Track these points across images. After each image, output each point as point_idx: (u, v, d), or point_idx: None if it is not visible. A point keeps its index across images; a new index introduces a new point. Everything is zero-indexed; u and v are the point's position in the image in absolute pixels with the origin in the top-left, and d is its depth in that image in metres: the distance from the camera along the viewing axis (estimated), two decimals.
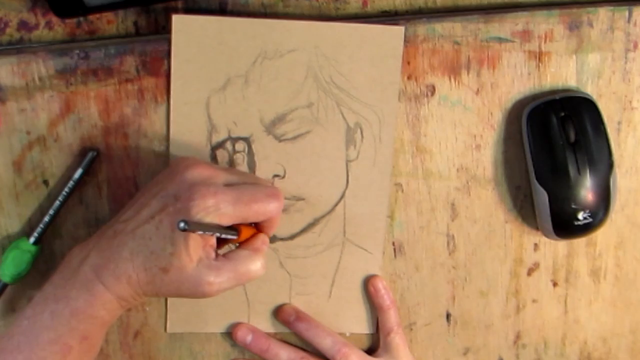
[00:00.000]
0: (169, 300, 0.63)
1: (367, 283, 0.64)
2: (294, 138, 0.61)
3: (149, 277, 0.53)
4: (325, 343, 0.63)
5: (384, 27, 0.60)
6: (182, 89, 0.60)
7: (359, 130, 0.61)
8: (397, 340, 0.64)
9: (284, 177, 0.62)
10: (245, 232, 0.55)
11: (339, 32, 0.60)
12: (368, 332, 0.65)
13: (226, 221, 0.52)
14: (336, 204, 0.63)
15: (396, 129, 0.62)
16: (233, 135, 0.61)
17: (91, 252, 0.54)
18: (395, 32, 0.60)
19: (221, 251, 0.55)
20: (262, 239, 0.57)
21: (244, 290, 0.64)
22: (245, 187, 0.54)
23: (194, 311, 0.63)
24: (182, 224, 0.47)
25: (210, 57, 0.59)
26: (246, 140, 0.61)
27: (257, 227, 0.57)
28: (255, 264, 0.54)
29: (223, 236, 0.53)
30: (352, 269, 0.64)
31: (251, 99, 0.60)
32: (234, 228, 0.54)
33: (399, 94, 0.62)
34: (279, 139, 0.61)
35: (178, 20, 0.59)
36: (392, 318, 0.64)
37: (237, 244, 0.56)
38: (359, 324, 0.65)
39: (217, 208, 0.51)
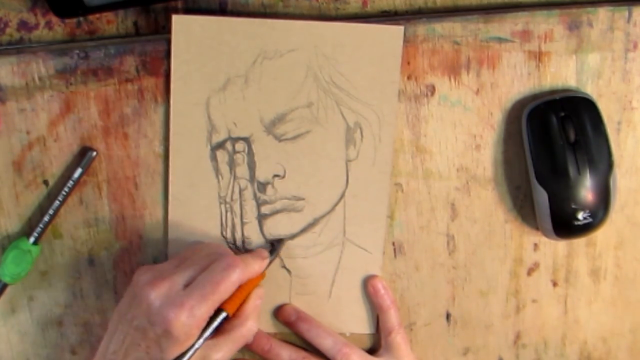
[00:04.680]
0: None
1: (367, 283, 0.64)
2: (294, 138, 0.61)
3: None
4: (326, 343, 0.63)
5: (384, 27, 0.60)
6: (182, 89, 0.60)
7: (358, 130, 0.62)
8: (399, 339, 0.64)
9: (284, 177, 0.62)
10: (233, 306, 0.57)
11: (339, 32, 0.60)
12: (368, 332, 0.65)
13: (206, 317, 0.54)
14: (336, 204, 0.63)
15: (396, 128, 0.62)
16: (233, 136, 0.61)
17: None
18: (395, 32, 0.60)
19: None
20: (254, 298, 0.59)
21: None
22: (203, 278, 0.55)
23: None
24: None
25: (210, 57, 0.59)
26: (246, 140, 0.61)
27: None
28: (246, 328, 0.57)
29: (216, 325, 0.55)
30: (352, 269, 0.64)
31: (251, 99, 0.60)
32: (220, 309, 0.56)
33: (399, 93, 0.62)
34: (279, 138, 0.61)
35: (178, 21, 0.59)
36: (392, 318, 0.64)
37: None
38: (360, 324, 0.65)
39: (192, 316, 0.53)
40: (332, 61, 0.60)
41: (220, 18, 0.59)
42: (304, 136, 0.61)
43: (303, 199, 0.62)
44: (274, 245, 0.63)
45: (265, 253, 0.60)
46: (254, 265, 0.58)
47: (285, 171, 0.62)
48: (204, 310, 0.54)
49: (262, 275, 0.59)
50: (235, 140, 0.61)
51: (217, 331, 0.56)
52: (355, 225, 0.63)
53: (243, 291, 0.57)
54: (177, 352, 0.53)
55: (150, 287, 0.54)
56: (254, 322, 0.58)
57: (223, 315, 0.56)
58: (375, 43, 0.60)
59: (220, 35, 0.59)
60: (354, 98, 0.61)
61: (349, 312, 0.65)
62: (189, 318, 0.53)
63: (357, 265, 0.64)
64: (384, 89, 0.61)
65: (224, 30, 0.59)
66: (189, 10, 0.61)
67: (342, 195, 0.63)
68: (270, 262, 0.60)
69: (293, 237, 0.63)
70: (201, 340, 0.54)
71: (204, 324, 0.54)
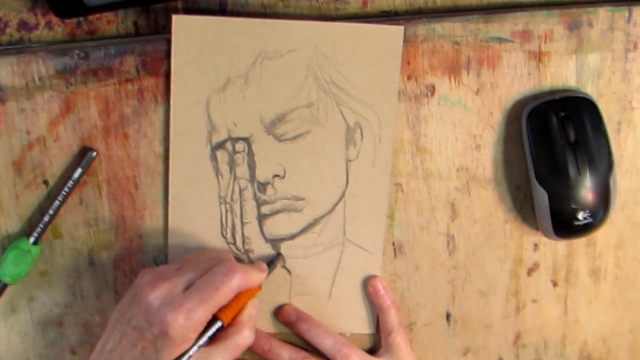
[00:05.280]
0: None
1: (367, 284, 0.64)
2: (294, 138, 0.61)
3: None
4: (326, 343, 0.63)
5: (384, 27, 0.60)
6: (182, 89, 0.60)
7: (358, 130, 0.62)
8: (399, 340, 0.64)
9: (284, 177, 0.62)
10: (228, 315, 0.56)
11: (339, 32, 0.60)
12: (368, 332, 0.65)
13: (203, 321, 0.54)
14: (336, 204, 0.63)
15: (396, 128, 0.62)
16: (233, 136, 0.61)
17: None
18: (395, 32, 0.60)
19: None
20: (249, 308, 0.58)
21: None
22: (202, 281, 0.55)
23: None
24: None
25: (210, 57, 0.59)
26: (246, 140, 0.61)
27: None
28: (242, 337, 0.57)
29: (211, 334, 0.55)
30: (352, 269, 0.64)
31: (251, 99, 0.60)
32: (215, 317, 0.56)
33: (399, 93, 0.62)
34: (279, 138, 0.61)
35: (178, 21, 0.59)
36: (392, 318, 0.64)
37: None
38: (359, 324, 0.65)
39: (189, 318, 0.53)
40: (332, 61, 0.60)
41: (220, 18, 0.59)
42: (304, 136, 0.61)
43: (303, 199, 0.62)
44: (275, 249, 0.63)
45: (264, 266, 0.61)
46: (253, 275, 0.58)
47: (285, 171, 0.62)
48: (202, 313, 0.54)
49: (258, 287, 0.59)
50: (235, 140, 0.61)
51: (212, 339, 0.56)
52: (355, 225, 0.63)
53: (239, 301, 0.57)
54: (172, 355, 0.53)
55: (150, 288, 0.54)
56: (250, 332, 0.57)
57: (218, 324, 0.56)
58: (376, 43, 0.60)
59: (220, 35, 0.59)
60: (354, 98, 0.61)
61: (349, 312, 0.65)
62: (186, 320, 0.53)
63: (357, 266, 0.64)
64: (384, 89, 0.61)
65: (224, 30, 0.59)
66: (188, 10, 0.61)
67: (342, 196, 0.63)
68: (267, 275, 0.60)
69: (293, 237, 0.63)
70: (195, 348, 0.54)
71: (201, 328, 0.54)
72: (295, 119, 0.61)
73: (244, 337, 0.57)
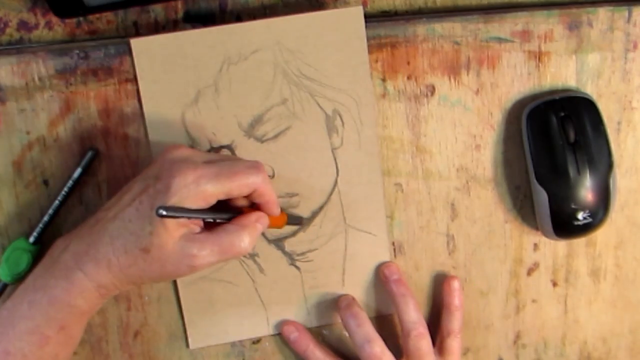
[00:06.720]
0: (185, 315, 0.63)
1: (443, 283, 0.64)
2: (276, 136, 0.61)
3: (130, 259, 0.52)
4: (411, 316, 0.61)
5: (342, 10, 0.60)
6: (155, 110, 0.60)
7: (338, 117, 0.61)
8: (455, 345, 0.63)
9: (273, 176, 0.62)
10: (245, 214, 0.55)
11: (298, 23, 0.59)
12: (388, 312, 0.65)
13: (209, 197, 0.51)
14: (330, 193, 0.62)
15: (374, 108, 0.62)
16: (215, 145, 0.61)
17: (72, 241, 0.54)
18: (355, 13, 0.60)
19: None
20: (257, 217, 0.55)
21: (257, 294, 0.63)
22: (225, 163, 0.53)
23: (212, 323, 0.63)
24: (160, 210, 0.48)
25: (176, 74, 0.59)
26: (228, 147, 0.61)
27: (257, 207, 0.56)
28: (240, 238, 0.53)
29: (207, 219, 0.52)
30: (360, 254, 0.64)
31: (225, 106, 0.60)
32: (233, 211, 0.54)
33: (399, 93, 0.62)
34: (261, 140, 0.61)
35: (137, 44, 0.59)
36: (456, 320, 0.63)
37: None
38: (378, 307, 0.65)
39: (197, 184, 0.51)
40: (297, 54, 0.60)
41: (178, 33, 0.59)
42: (285, 133, 0.61)
43: (297, 194, 0.62)
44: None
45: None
46: (272, 192, 0.55)
47: (273, 171, 0.62)
48: (211, 187, 0.51)
49: (281, 220, 0.59)
50: (217, 149, 0.61)
51: (209, 230, 0.53)
52: (353, 210, 0.63)
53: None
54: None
55: (172, 149, 0.54)
56: (250, 241, 0.53)
57: (224, 215, 0.53)
58: (337, 28, 0.60)
59: (182, 50, 0.59)
60: (327, 86, 0.61)
61: (364, 297, 0.64)
62: (193, 183, 0.50)
63: (364, 250, 0.64)
64: (355, 71, 0.61)
65: (185, 45, 0.59)
66: (188, 11, 0.61)
67: (335, 184, 0.62)
68: (288, 221, 0.60)
69: (294, 233, 0.63)
70: (179, 216, 0.50)
71: (204, 203, 0.52)
72: (273, 118, 0.61)
73: (240, 242, 0.53)
